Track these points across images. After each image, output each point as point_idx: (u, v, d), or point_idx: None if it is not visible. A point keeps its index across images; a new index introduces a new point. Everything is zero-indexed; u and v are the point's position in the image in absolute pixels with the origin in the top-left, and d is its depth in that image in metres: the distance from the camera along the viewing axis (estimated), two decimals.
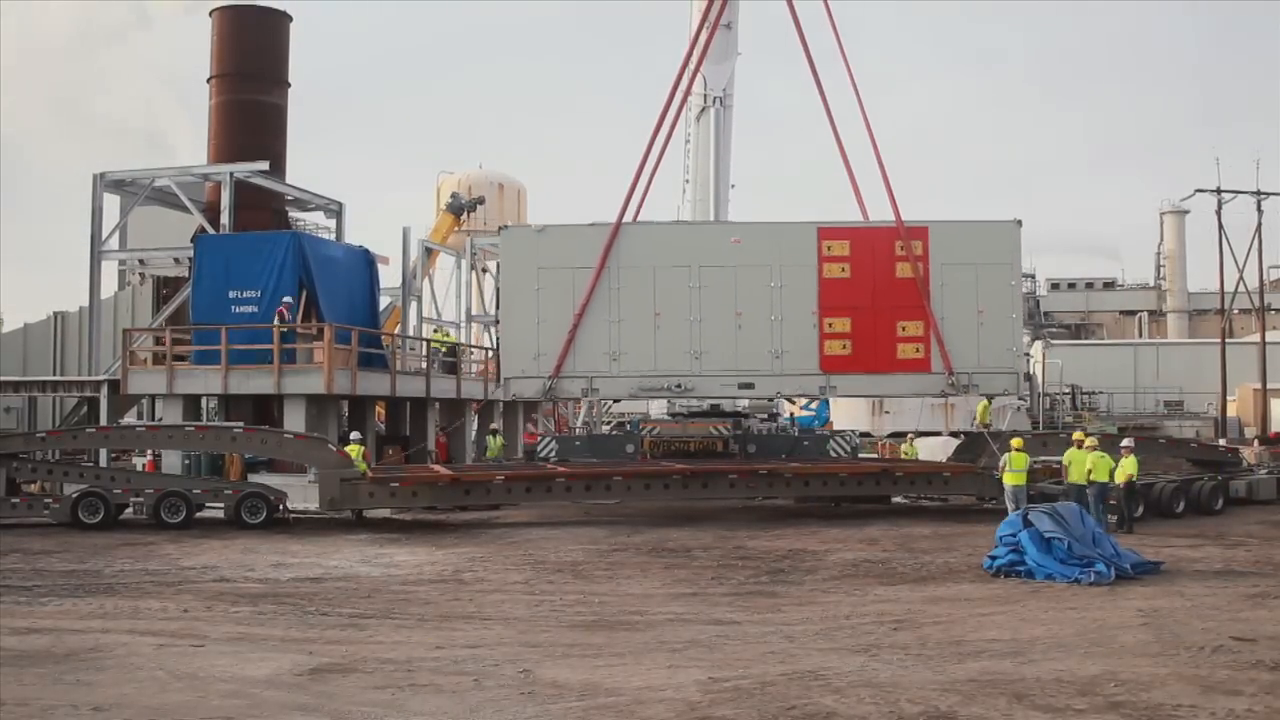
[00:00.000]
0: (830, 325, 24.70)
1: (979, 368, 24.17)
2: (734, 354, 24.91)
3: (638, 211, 26.12)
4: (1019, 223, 24.10)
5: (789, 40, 26.49)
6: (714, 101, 29.44)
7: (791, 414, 32.69)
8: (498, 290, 26.65)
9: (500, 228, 27.89)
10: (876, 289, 24.56)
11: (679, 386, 25.40)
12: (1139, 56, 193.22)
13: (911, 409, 49.51)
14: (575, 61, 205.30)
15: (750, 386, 25.40)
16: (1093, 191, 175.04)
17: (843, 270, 24.75)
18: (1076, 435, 22.12)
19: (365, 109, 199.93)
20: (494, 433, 30.03)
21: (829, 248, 24.82)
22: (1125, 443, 22.40)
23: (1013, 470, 21.00)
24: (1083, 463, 20.77)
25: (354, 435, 24.74)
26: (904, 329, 24.57)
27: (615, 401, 34.10)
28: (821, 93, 26.53)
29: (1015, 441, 21.70)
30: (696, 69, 27.75)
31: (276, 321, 25.24)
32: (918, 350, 24.53)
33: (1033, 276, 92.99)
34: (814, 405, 39.54)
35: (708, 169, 30.51)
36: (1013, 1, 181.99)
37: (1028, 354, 24.42)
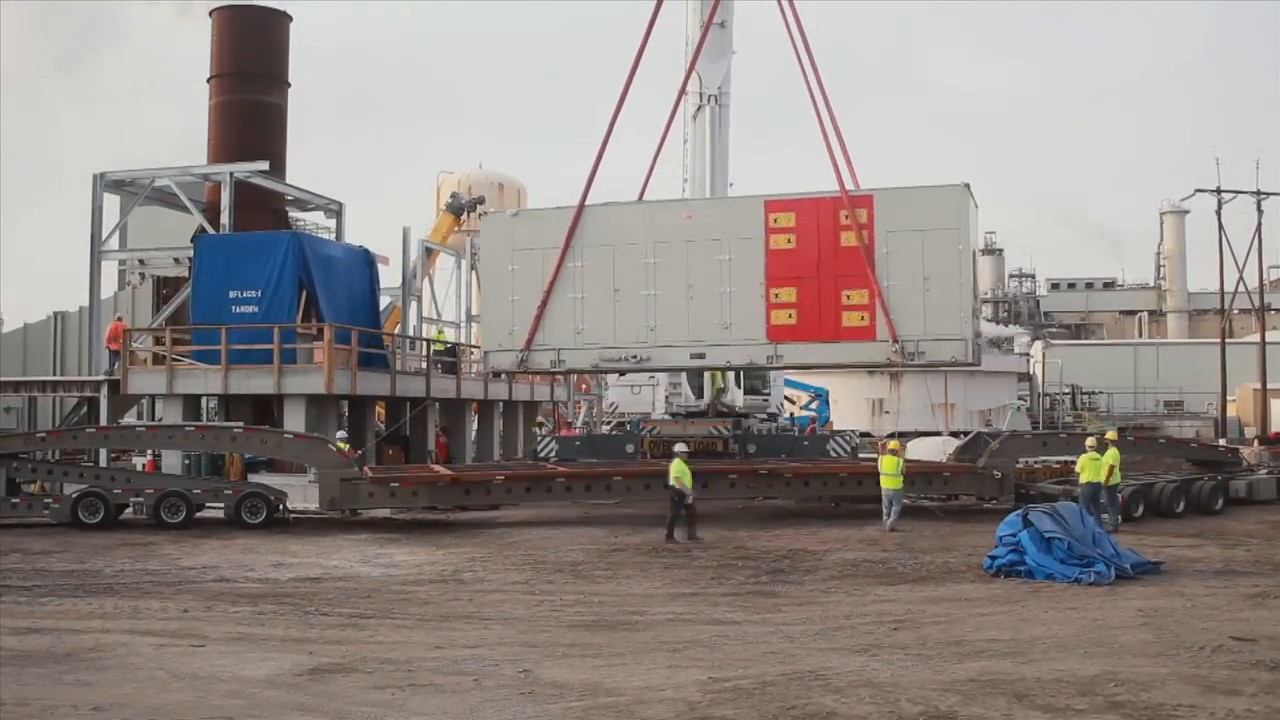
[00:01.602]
0: (776, 295, 24.80)
1: (925, 335, 23.64)
2: (686, 326, 25.42)
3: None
4: (966, 186, 23.50)
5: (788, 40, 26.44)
6: (709, 100, 29.37)
7: (791, 414, 32.70)
8: (477, 273, 27.66)
9: (480, 214, 28.90)
10: (821, 258, 24.45)
11: (635, 358, 26.09)
12: (1139, 56, 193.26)
13: (912, 409, 49.67)
14: (575, 60, 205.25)
15: (701, 357, 25.71)
16: (1093, 191, 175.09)
17: (789, 241, 24.78)
18: (1090, 441, 21.90)
19: (365, 109, 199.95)
20: (539, 425, 30.44)
21: (775, 220, 25.00)
22: (1089, 441, 22.42)
23: (885, 474, 20.88)
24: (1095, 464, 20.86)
25: (340, 435, 25.01)
26: (849, 297, 24.33)
27: (613, 386, 33.84)
28: (799, 60, 26.21)
29: (892, 444, 21.58)
30: (689, 70, 27.67)
31: None
32: (863, 319, 24.24)
33: (1033, 277, 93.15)
34: (814, 405, 39.58)
35: (704, 168, 30.45)
36: (1013, 1, 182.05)
37: (984, 318, 23.73)
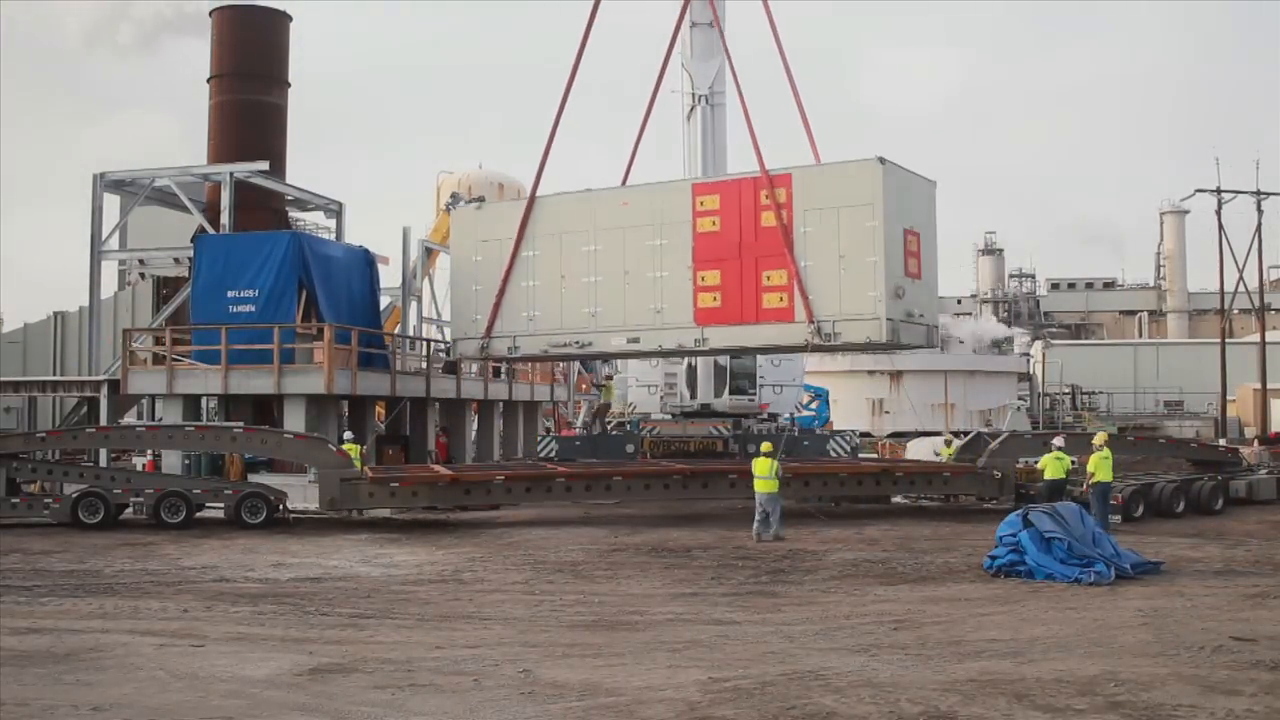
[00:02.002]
0: (703, 279, 24.78)
1: (841, 315, 23.09)
2: (623, 311, 25.75)
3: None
4: (881, 160, 22.80)
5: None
6: (700, 100, 29.42)
7: (791, 414, 32.63)
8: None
9: (447, 207, 29.23)
10: (743, 240, 24.25)
11: (578, 344, 26.59)
12: (1139, 56, 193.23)
13: (912, 409, 49.70)
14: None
15: (636, 342, 25.93)
16: (1093, 190, 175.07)
17: (714, 224, 24.69)
18: (1099, 439, 21.02)
19: (365, 109, 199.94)
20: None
21: (702, 203, 24.99)
22: (1055, 441, 22.41)
23: (758, 477, 20.44)
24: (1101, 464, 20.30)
25: (347, 435, 25.01)
26: (769, 279, 24.03)
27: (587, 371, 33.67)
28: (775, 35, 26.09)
29: (765, 446, 21.42)
30: (662, 71, 27.59)
31: None
32: (782, 300, 23.87)
33: (1033, 277, 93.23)
34: (814, 405, 39.55)
35: (698, 169, 30.48)
36: (1015, 1, 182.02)
37: (898, 294, 22.70)
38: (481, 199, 43.77)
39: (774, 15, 26.08)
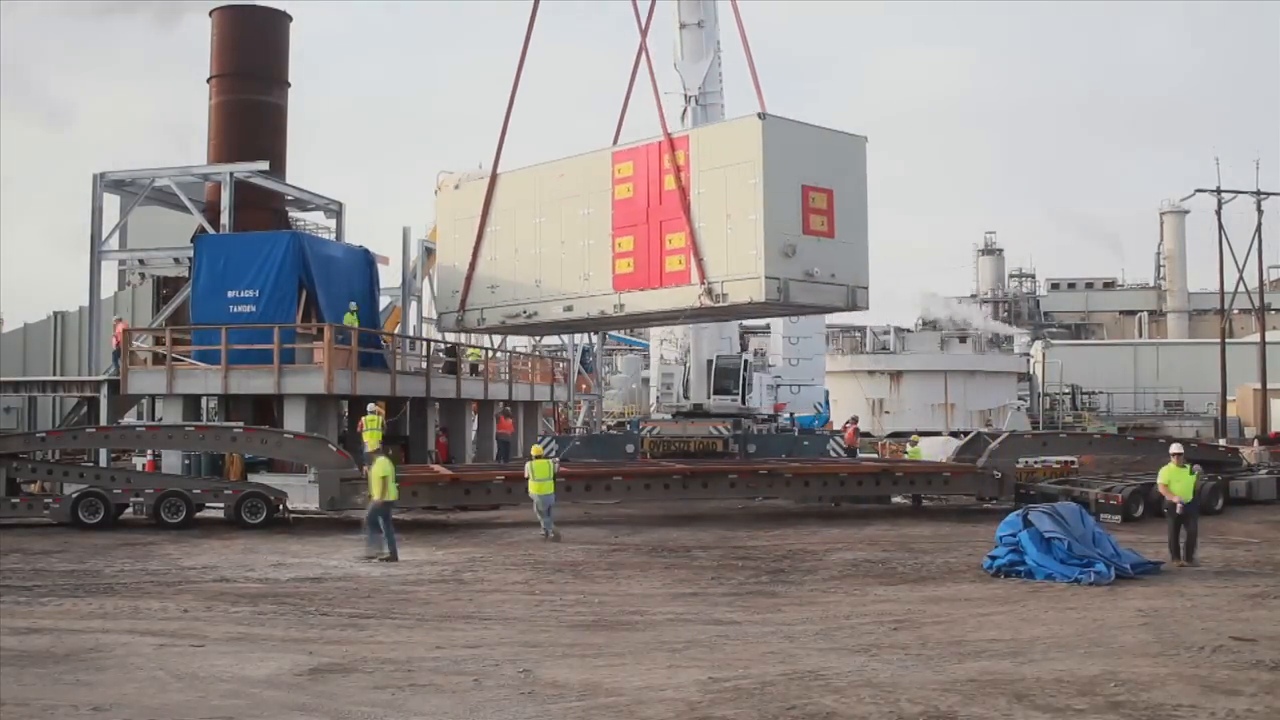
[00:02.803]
0: (619, 245, 24.94)
1: (728, 276, 22.76)
2: (561, 280, 26.25)
3: None
4: (761, 115, 22.39)
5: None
6: (691, 100, 29.51)
7: (791, 414, 32.70)
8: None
9: (436, 190, 30.54)
10: (650, 205, 24.26)
11: (525, 314, 27.21)
12: (1140, 55, 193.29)
13: (912, 409, 49.73)
14: (574, 58, 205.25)
15: (570, 310, 26.30)
16: (1093, 191, 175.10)
17: (629, 190, 24.80)
18: (1176, 448, 18.57)
19: (365, 109, 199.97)
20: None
21: (619, 170, 25.11)
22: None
23: (536, 479, 20.33)
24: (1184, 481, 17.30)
25: (370, 407, 25.04)
26: (670, 242, 23.93)
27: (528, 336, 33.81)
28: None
29: (535, 449, 21.46)
30: (635, 68, 27.60)
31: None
32: (680, 263, 23.72)
33: (1033, 277, 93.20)
34: (816, 405, 39.57)
35: None
36: (1016, 1, 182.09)
37: (787, 253, 21.73)
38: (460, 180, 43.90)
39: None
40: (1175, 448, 18.70)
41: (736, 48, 25.22)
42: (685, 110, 29.30)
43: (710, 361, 30.57)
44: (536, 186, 27.00)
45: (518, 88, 27.61)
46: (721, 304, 23.18)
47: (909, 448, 29.10)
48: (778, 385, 32.89)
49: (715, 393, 30.28)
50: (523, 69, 27.49)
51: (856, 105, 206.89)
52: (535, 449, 21.66)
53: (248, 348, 25.36)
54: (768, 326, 48.62)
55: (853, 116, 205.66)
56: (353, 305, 27.31)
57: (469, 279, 27.98)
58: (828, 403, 41.72)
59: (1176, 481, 17.10)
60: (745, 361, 30.56)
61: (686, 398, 30.87)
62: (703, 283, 22.95)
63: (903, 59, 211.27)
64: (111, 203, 35.17)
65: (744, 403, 30.19)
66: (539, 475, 20.33)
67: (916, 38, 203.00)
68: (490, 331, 30.76)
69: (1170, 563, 16.61)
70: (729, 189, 22.65)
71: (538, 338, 45.42)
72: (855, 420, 33.40)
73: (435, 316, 38.89)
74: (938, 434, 39.72)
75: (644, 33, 27.37)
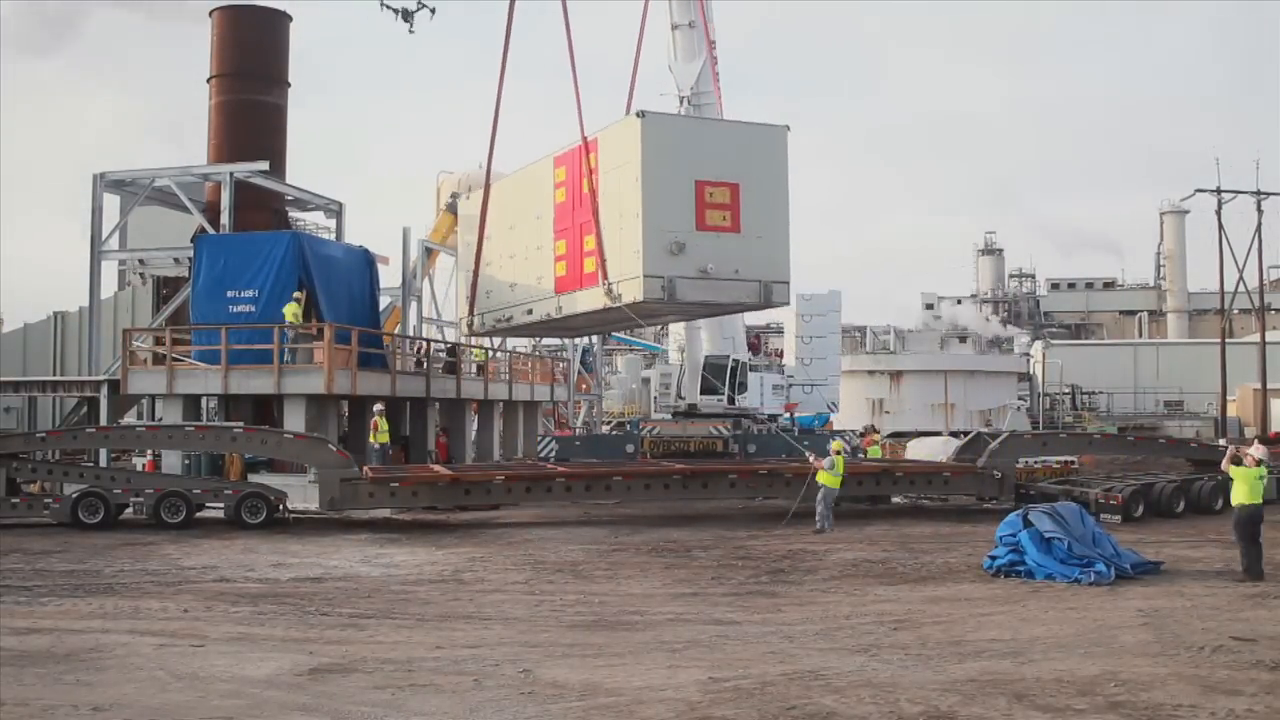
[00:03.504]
0: (558, 248, 25.21)
1: (621, 276, 22.62)
2: (527, 284, 26.78)
3: None
4: (640, 114, 22.25)
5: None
6: (682, 101, 29.59)
7: (791, 415, 32.65)
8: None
9: (448, 206, 31.68)
10: (575, 208, 24.33)
11: (507, 319, 27.90)
12: (1139, 55, 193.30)
13: (912, 409, 49.71)
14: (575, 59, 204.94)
15: (530, 313, 26.80)
16: (1094, 190, 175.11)
17: (563, 195, 25.00)
18: (1256, 452, 16.23)
19: (365, 109, 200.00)
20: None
21: (557, 175, 25.27)
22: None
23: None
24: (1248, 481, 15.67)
25: (376, 407, 25.50)
26: (587, 244, 23.89)
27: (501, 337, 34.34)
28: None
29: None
30: (635, 67, 27.71)
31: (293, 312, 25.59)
32: (593, 264, 23.67)
33: (1033, 277, 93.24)
34: (830, 404, 39.43)
35: None
36: (1015, 2, 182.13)
37: (674, 250, 21.44)
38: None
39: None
40: (1255, 450, 16.28)
41: (733, 48, 25.32)
42: (681, 112, 29.41)
43: (699, 364, 30.78)
44: (515, 192, 27.52)
45: (502, 93, 27.57)
46: (618, 304, 23.03)
47: (868, 446, 28.71)
48: (789, 385, 32.71)
49: (703, 392, 30.33)
50: (504, 76, 27.42)
51: (853, 105, 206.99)
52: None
53: (248, 348, 25.36)
54: (779, 326, 48.77)
55: (851, 115, 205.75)
56: (296, 295, 25.88)
57: (473, 285, 28.76)
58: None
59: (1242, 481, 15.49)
60: (735, 361, 30.47)
61: (681, 397, 30.95)
62: (604, 283, 22.97)
63: (903, 59, 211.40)
64: (111, 203, 35.16)
65: (734, 403, 30.03)
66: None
67: (917, 37, 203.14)
68: (489, 334, 31.05)
69: (1252, 584, 14.91)
70: (621, 189, 22.60)
71: (537, 338, 45.52)
72: (873, 429, 33.35)
73: (436, 316, 39.06)
74: (938, 434, 39.67)
75: (640, 36, 27.67)
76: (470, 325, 29.62)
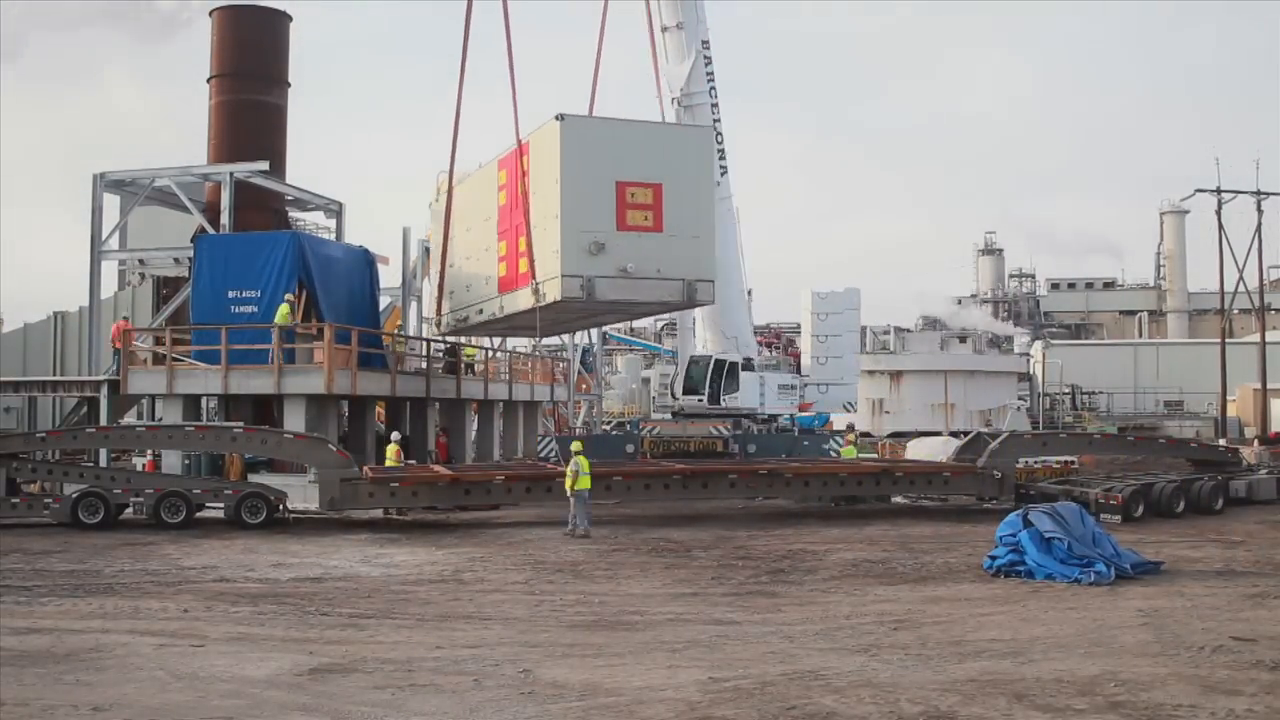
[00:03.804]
0: (500, 249, 25.76)
1: (544, 275, 23.25)
2: (478, 285, 27.34)
3: None
4: (559, 117, 22.65)
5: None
6: (673, 103, 29.66)
7: (791, 415, 32.60)
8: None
9: (436, 191, 31.38)
10: (512, 210, 24.73)
11: (463, 319, 28.43)
12: (1139, 55, 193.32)
13: (912, 409, 49.70)
14: (574, 59, 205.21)
15: (481, 312, 27.25)
16: (1094, 191, 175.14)
17: (504, 197, 25.38)
18: None
19: (365, 108, 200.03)
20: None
21: (500, 178, 25.62)
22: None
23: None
24: None
25: (395, 436, 25.87)
26: (520, 245, 24.49)
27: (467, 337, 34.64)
28: None
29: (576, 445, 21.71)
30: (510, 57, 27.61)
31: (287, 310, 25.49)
32: (525, 265, 24.24)
33: (1033, 277, 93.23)
34: (845, 404, 39.35)
35: None
36: (1015, 1, 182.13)
37: (593, 250, 22.28)
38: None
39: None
40: None
41: (728, 49, 25.42)
42: (673, 114, 29.64)
43: (683, 364, 31.05)
44: (469, 195, 27.95)
45: (462, 98, 27.71)
46: (544, 303, 23.46)
47: (842, 447, 28.43)
48: (804, 385, 32.57)
49: (685, 392, 30.42)
50: (464, 79, 27.55)
51: (854, 103, 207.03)
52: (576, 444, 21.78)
53: (248, 348, 25.37)
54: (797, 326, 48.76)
55: (850, 115, 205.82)
56: (289, 297, 25.87)
57: (440, 285, 29.57)
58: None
59: None
60: (717, 361, 30.47)
61: (675, 397, 31.12)
62: (533, 283, 23.56)
63: (903, 59, 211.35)
64: (111, 203, 35.17)
65: (718, 402, 29.90)
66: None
67: (916, 39, 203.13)
68: (454, 333, 31.51)
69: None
70: (544, 190, 23.10)
71: (537, 338, 45.54)
72: (850, 429, 33.30)
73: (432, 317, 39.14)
74: (938, 434, 39.64)
75: (600, 41, 28.09)
76: (438, 324, 30.16)
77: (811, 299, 33.66)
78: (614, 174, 22.44)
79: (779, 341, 34.88)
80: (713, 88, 30.45)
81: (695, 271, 23.21)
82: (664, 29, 29.64)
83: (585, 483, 20.78)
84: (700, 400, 29.90)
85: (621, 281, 22.44)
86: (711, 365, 30.06)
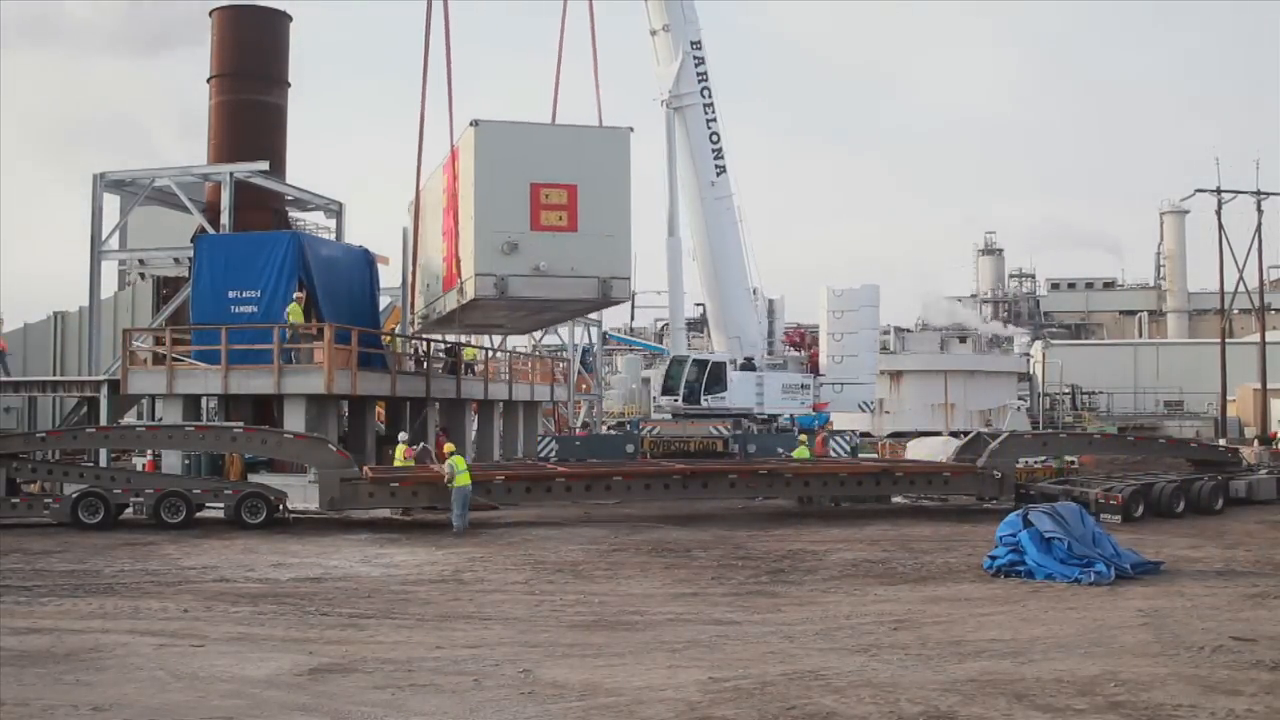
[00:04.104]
0: (443, 250, 26.40)
1: (465, 275, 24.02)
2: (433, 285, 27.87)
3: None
4: (474, 123, 23.35)
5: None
6: (662, 105, 29.73)
7: (791, 415, 32.59)
8: None
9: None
10: (449, 212, 25.43)
11: (427, 317, 28.78)
12: (1139, 54, 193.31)
13: (912, 409, 49.70)
14: (574, 59, 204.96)
15: (437, 310, 27.71)
16: (1094, 191, 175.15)
17: (446, 200, 25.84)
18: None
19: (365, 108, 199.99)
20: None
21: (444, 181, 26.12)
22: None
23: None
24: None
25: (401, 435, 26.12)
26: (454, 246, 25.38)
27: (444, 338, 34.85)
28: None
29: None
30: (447, 51, 27.83)
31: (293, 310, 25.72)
32: (456, 265, 24.99)
33: (1033, 277, 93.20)
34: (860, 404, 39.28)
35: (674, 174, 31.09)
36: (1016, 1, 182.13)
37: (505, 250, 23.16)
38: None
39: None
40: None
41: (723, 52, 25.52)
42: (664, 115, 29.91)
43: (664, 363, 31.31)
44: (427, 198, 28.52)
45: (425, 99, 27.89)
46: (464, 301, 24.15)
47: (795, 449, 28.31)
48: (819, 384, 32.48)
49: (662, 392, 30.67)
50: (427, 83, 27.83)
51: (852, 104, 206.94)
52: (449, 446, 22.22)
53: (248, 348, 25.36)
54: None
55: (851, 115, 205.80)
56: (297, 295, 26.03)
57: (412, 284, 30.20)
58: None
59: None
60: (695, 361, 30.62)
61: (653, 398, 31.55)
62: (457, 282, 24.44)
63: (902, 59, 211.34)
64: (111, 203, 35.16)
65: (696, 402, 29.98)
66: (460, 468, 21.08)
67: (915, 38, 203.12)
68: (425, 331, 31.83)
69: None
70: (465, 193, 23.79)
71: (537, 338, 45.67)
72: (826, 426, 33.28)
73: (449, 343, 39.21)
74: (938, 434, 39.65)
75: (559, 46, 28.40)
76: (414, 323, 30.82)
77: (828, 296, 33.49)
78: (528, 176, 23.11)
79: (804, 341, 34.42)
80: (705, 88, 30.49)
81: (610, 269, 23.80)
82: (653, 32, 29.79)
83: (464, 480, 21.03)
84: (675, 400, 30.13)
85: (536, 279, 23.14)
86: (688, 365, 30.23)
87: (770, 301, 33.49)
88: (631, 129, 24.00)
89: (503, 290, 23.03)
